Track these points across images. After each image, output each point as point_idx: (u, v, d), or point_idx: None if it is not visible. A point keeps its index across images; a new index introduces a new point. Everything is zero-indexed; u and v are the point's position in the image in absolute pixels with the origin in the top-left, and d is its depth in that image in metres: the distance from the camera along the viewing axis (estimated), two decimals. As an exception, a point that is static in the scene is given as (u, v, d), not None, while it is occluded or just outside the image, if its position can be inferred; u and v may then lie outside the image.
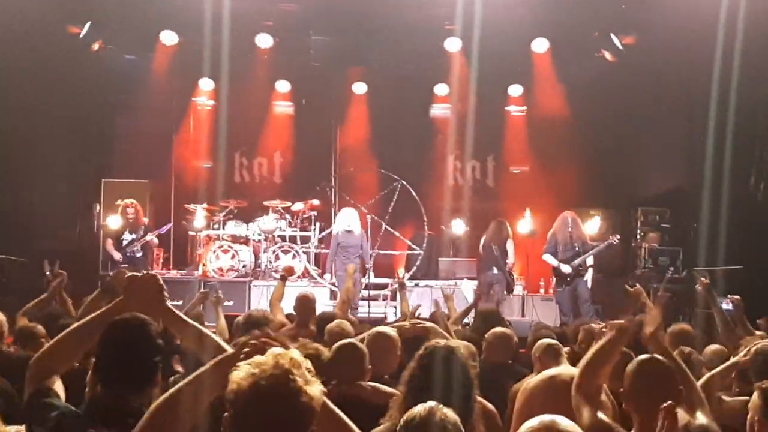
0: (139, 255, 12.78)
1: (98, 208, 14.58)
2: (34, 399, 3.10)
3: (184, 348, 3.83)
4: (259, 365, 2.38)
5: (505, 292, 12.98)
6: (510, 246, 13.14)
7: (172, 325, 3.32)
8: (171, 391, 2.76)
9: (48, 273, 12.83)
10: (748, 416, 3.54)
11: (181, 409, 2.73)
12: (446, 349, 3.82)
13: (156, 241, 13.26)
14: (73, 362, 3.42)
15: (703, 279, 6.96)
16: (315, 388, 2.40)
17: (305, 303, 7.76)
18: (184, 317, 3.28)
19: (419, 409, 3.09)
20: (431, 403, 3.12)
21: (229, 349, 2.88)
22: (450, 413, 3.09)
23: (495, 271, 12.95)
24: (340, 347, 4.68)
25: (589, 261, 12.63)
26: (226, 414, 2.40)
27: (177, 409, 2.73)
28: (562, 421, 2.58)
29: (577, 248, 12.45)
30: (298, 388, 2.34)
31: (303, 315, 7.56)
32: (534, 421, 2.58)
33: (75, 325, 3.40)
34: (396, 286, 11.19)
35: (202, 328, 3.20)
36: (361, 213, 14.06)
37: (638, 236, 14.42)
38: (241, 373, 2.38)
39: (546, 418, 2.59)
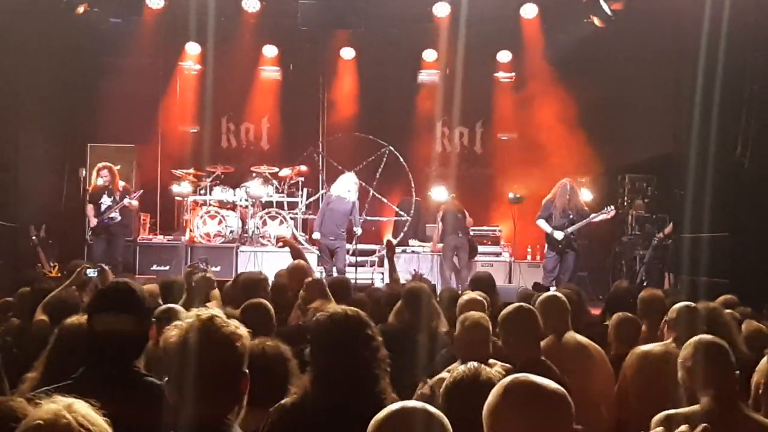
0: (117, 220, 12.66)
1: (84, 172, 14.50)
2: None
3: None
4: (181, 322, 2.56)
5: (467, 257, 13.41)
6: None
7: None
8: None
9: (34, 238, 12.86)
10: (755, 378, 3.58)
11: None
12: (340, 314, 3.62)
13: (135, 203, 13.06)
14: None
15: None
16: (241, 327, 2.61)
17: (297, 273, 7.59)
18: None
19: (464, 368, 3.14)
20: (474, 363, 3.18)
21: None
22: (496, 376, 3.10)
23: (459, 235, 13.10)
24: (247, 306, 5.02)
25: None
26: (165, 379, 2.55)
27: None
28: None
29: (571, 216, 12.49)
30: (219, 323, 2.55)
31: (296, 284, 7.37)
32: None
33: None
34: (384, 252, 11.17)
35: None
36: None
37: (625, 203, 14.48)
38: (166, 335, 2.56)
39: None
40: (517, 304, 4.80)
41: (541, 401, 2.30)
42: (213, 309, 2.64)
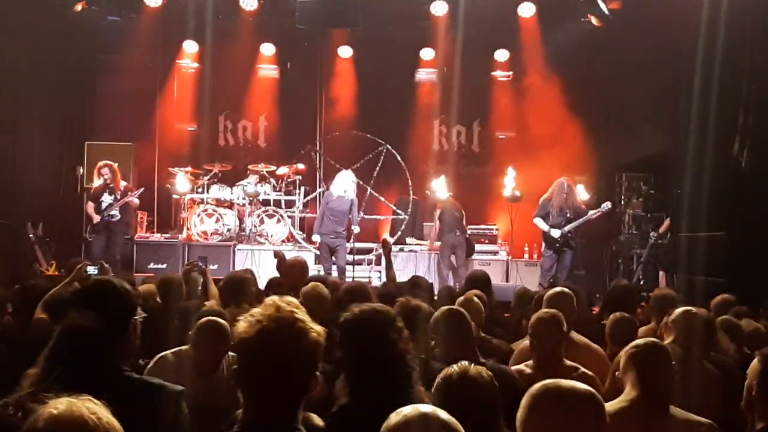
0: (116, 219, 12.62)
1: (81, 170, 14.48)
2: None
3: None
4: (261, 313, 2.45)
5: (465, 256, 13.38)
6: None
7: None
8: None
9: (31, 236, 12.84)
10: (747, 380, 3.58)
11: None
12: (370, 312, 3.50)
13: (136, 201, 13.00)
14: None
15: None
16: (318, 327, 2.50)
17: (297, 267, 7.66)
18: None
19: (454, 366, 3.13)
20: (464, 362, 3.16)
21: None
22: (484, 371, 3.13)
23: (457, 233, 13.11)
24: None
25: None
26: (234, 367, 2.46)
27: None
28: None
29: (568, 214, 12.47)
30: (304, 327, 2.44)
31: (293, 278, 7.43)
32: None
33: None
34: (381, 250, 11.12)
35: None
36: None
37: (622, 202, 14.48)
38: (245, 324, 2.45)
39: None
40: (446, 307, 4.74)
41: (571, 404, 2.34)
42: (290, 300, 2.53)
